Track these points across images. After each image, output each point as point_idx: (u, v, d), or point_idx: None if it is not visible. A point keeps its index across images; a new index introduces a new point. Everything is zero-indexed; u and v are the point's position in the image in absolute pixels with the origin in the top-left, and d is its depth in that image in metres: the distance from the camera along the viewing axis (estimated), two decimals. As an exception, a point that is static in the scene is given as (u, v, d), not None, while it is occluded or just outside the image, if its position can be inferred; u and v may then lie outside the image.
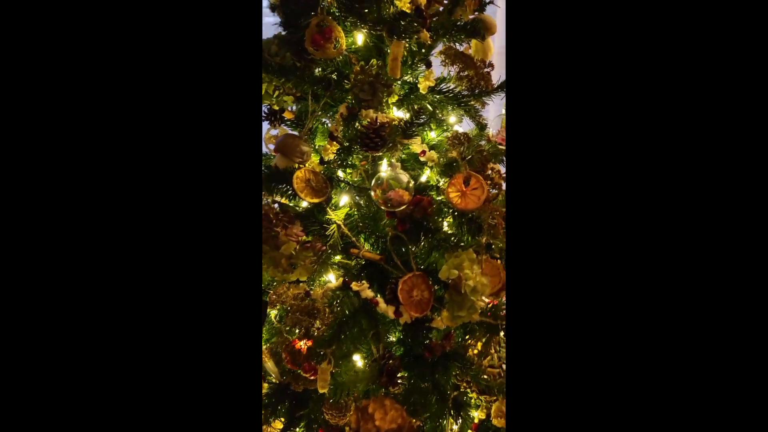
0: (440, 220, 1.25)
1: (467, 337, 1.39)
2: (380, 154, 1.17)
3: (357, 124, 1.17)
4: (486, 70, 1.31)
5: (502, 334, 1.38)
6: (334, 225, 1.21)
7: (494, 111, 1.37)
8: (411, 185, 1.17)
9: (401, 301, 1.17)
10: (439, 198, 1.24)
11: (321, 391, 1.20)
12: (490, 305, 1.49)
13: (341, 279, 1.21)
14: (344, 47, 1.20)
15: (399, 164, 1.19)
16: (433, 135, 1.35)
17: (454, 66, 1.30)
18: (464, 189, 1.19)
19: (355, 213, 1.24)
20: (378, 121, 1.15)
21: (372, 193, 1.16)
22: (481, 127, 1.31)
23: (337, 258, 1.29)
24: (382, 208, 1.17)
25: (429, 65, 1.24)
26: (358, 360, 1.29)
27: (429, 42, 1.20)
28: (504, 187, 1.30)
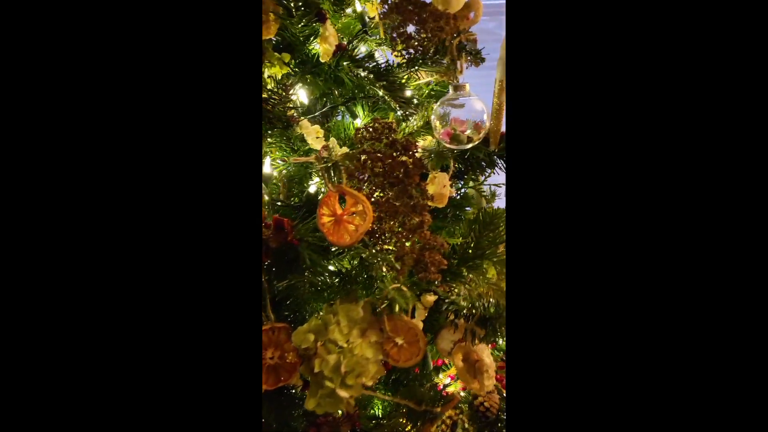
0: (335, 251, 0.84)
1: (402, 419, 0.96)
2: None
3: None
4: (434, 24, 0.82)
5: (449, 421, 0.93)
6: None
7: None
8: (263, 200, 0.80)
9: (245, 363, 0.82)
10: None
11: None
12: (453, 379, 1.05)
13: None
14: None
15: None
16: (359, 122, 0.92)
17: (388, 20, 0.85)
18: (338, 212, 0.77)
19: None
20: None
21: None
22: (404, 114, 0.84)
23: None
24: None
25: (322, 19, 0.81)
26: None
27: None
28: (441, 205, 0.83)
